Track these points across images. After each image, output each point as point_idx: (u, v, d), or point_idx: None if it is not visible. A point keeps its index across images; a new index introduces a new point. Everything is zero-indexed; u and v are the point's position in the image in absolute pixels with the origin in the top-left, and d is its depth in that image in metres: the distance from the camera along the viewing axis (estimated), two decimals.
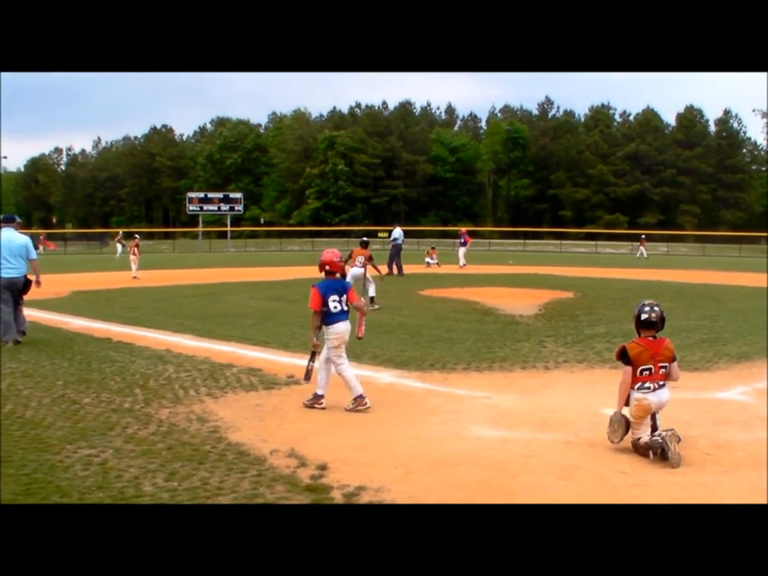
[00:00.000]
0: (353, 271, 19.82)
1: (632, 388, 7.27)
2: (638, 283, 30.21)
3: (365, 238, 21.70)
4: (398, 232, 34.94)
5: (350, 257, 20.22)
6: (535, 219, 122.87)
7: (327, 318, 9.22)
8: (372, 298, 19.94)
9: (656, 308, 7.37)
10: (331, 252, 9.62)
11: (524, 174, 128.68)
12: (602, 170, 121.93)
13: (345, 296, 9.34)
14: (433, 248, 45.13)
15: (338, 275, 9.57)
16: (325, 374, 9.29)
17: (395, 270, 32.81)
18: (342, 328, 9.26)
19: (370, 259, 20.45)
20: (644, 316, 7.37)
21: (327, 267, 9.46)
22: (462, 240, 42.21)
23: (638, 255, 61.00)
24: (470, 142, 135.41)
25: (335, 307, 9.20)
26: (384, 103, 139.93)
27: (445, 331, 15.49)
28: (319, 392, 9.21)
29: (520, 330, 15.84)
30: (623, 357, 7.32)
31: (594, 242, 78.35)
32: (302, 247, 74.73)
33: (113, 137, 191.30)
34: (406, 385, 10.53)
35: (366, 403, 8.95)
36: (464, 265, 40.54)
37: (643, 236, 64.99)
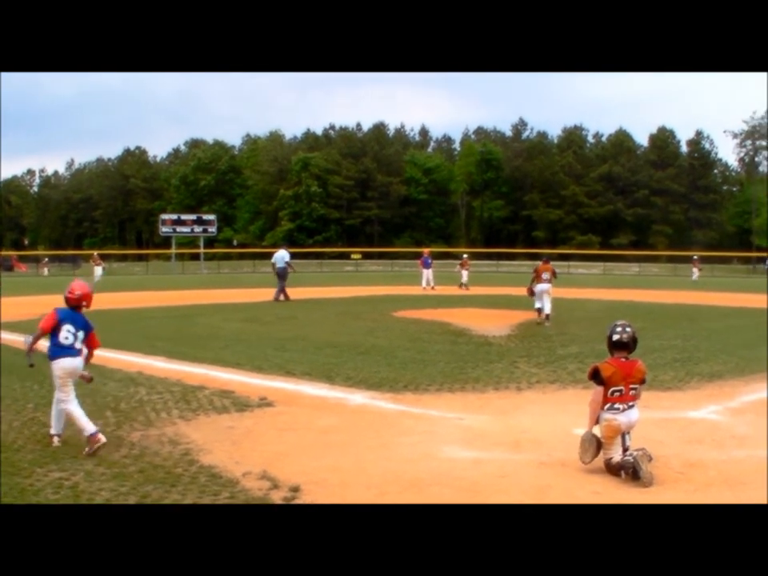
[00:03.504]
0: (540, 287, 21.65)
1: (602, 408, 7.31)
2: (611, 303, 30.44)
3: (544, 257, 23.44)
4: (279, 255, 31.82)
5: (536, 273, 22.04)
6: (509, 240, 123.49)
7: (54, 349, 8.30)
8: (547, 316, 21.34)
9: (628, 329, 7.42)
10: (82, 284, 8.81)
11: (498, 195, 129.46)
12: (575, 190, 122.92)
13: (83, 334, 8.45)
14: (465, 260, 44.18)
15: (83, 310, 8.62)
16: (70, 414, 8.30)
17: (282, 296, 30.56)
18: (69, 364, 8.29)
19: (554, 274, 22.13)
20: (616, 337, 7.41)
21: (80, 300, 8.57)
22: (428, 261, 42.24)
23: (693, 278, 58.79)
24: (444, 163, 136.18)
25: (66, 338, 8.29)
26: (358, 125, 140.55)
27: (418, 352, 15.51)
28: (86, 432, 8.08)
29: (493, 351, 15.88)
30: (595, 377, 7.36)
31: (566, 263, 78.73)
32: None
33: (86, 158, 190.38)
34: (378, 406, 10.52)
35: (99, 440, 7.96)
36: (433, 287, 40.81)
37: (695, 257, 63.64)
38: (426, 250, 46.07)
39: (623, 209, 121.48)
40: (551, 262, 22.76)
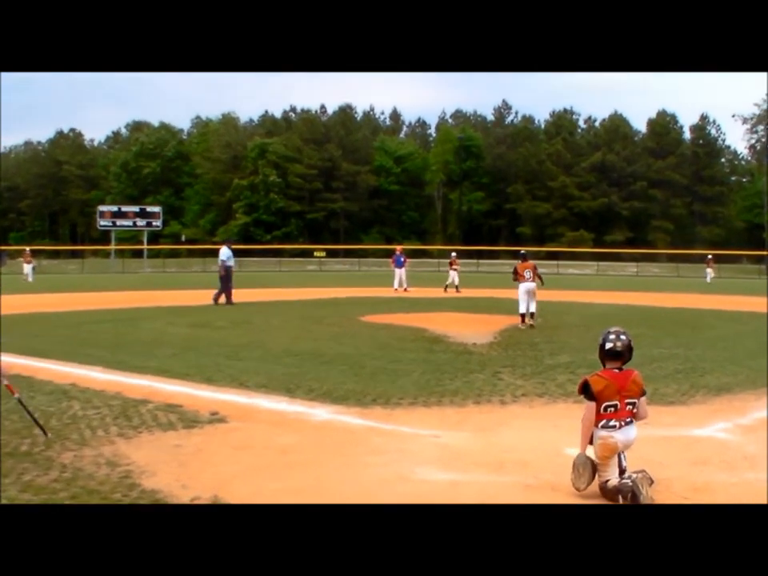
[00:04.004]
0: (525, 286, 22.20)
1: (596, 426, 7.28)
2: (605, 307, 30.70)
3: (523, 252, 24.46)
4: (225, 252, 32.01)
5: (516, 273, 22.60)
6: (490, 236, 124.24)
7: None
8: (532, 314, 22.02)
9: (622, 336, 7.38)
10: None
11: (478, 187, 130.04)
12: (564, 181, 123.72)
13: None
14: (453, 260, 43.60)
15: None
16: None
17: (222, 299, 30.61)
18: None
19: (536, 273, 22.67)
20: (608, 345, 7.36)
21: None
22: (400, 259, 42.27)
23: (708, 280, 59.27)
24: (418, 150, 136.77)
25: None
26: (322, 107, 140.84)
27: (389, 362, 15.51)
28: None
29: (473, 360, 15.90)
30: (586, 391, 7.31)
31: (555, 262, 79.24)
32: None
33: (13, 141, 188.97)
34: (344, 422, 10.48)
35: None
36: (406, 288, 40.92)
37: (710, 256, 64.01)
38: (398, 248, 46.25)
39: (618, 202, 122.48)
40: (532, 260, 23.06)
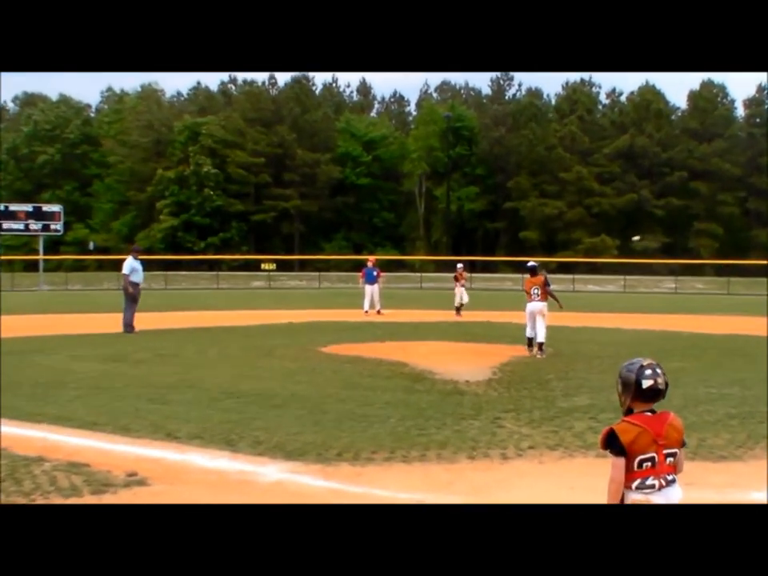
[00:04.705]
0: (529, 307, 22.67)
1: (628, 487, 7.17)
2: (634, 334, 30.72)
3: (531, 263, 24.39)
4: (130, 264, 31.03)
5: (527, 292, 23.35)
6: (486, 244, 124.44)
7: None
8: (541, 345, 22.40)
9: (659, 370, 7.26)
10: None
11: (471, 180, 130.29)
12: (581, 173, 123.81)
13: None
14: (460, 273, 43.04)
15: None
16: None
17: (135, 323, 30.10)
18: None
19: (546, 286, 23.27)
20: (647, 383, 7.12)
21: None
22: (372, 273, 42.14)
23: None
24: (394, 133, 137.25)
25: None
26: (271, 78, 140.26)
27: (358, 405, 15.54)
28: None
29: (466, 403, 15.93)
30: (612, 444, 7.12)
31: (570, 276, 79.11)
32: (150, 284, 73.84)
33: None
34: (301, 483, 10.48)
35: None
36: (379, 310, 40.91)
37: None
38: (370, 259, 46.11)
39: (651, 199, 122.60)
40: (544, 272, 23.13)
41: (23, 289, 72.96)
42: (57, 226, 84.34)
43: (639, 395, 7.08)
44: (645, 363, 7.16)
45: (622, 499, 7.17)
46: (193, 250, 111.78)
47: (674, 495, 7.20)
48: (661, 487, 7.10)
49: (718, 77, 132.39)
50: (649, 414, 7.07)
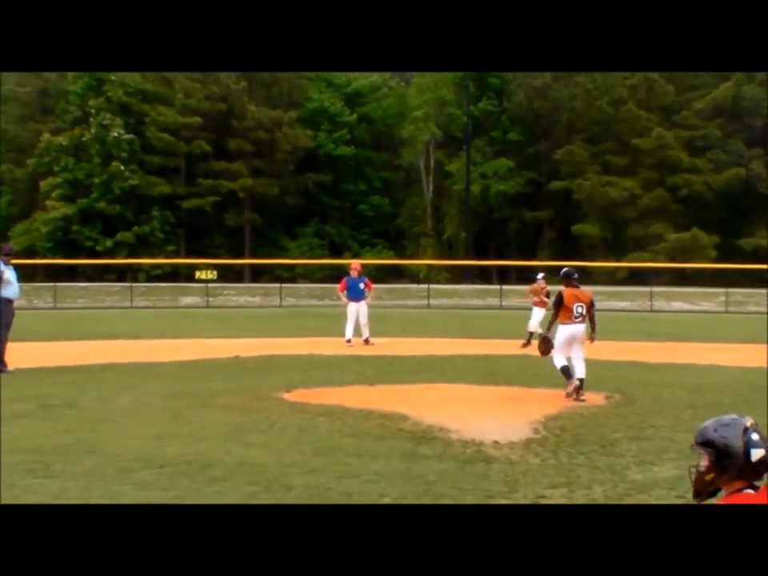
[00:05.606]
0: (567, 331, 23.80)
1: None
2: (741, 374, 30.44)
3: (567, 269, 24.99)
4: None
5: (559, 305, 24.14)
6: (524, 243, 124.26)
7: None
8: (581, 382, 23.71)
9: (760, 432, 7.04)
10: None
11: (501, 150, 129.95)
12: (663, 138, 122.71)
13: None
14: (541, 285, 41.30)
15: None
16: None
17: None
18: None
19: (591, 307, 24.24)
20: (758, 453, 6.89)
21: None
22: (357, 285, 41.64)
23: None
24: (389, 81, 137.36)
25: None
26: None
27: (336, 478, 15.28)
28: None
29: (494, 474, 15.71)
30: None
31: (646, 289, 78.89)
32: (31, 301, 73.85)
33: None
34: None
35: None
36: (367, 339, 40.54)
37: None
38: (354, 265, 45.32)
39: (766, 176, 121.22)
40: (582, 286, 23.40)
41: None
42: None
43: (746, 470, 6.93)
44: (748, 423, 6.99)
45: None
46: (95, 252, 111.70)
47: None
48: None
49: None
50: (751, 492, 6.94)
